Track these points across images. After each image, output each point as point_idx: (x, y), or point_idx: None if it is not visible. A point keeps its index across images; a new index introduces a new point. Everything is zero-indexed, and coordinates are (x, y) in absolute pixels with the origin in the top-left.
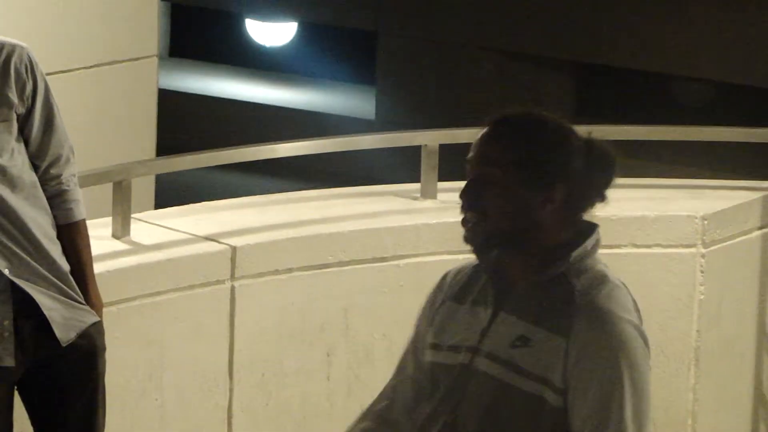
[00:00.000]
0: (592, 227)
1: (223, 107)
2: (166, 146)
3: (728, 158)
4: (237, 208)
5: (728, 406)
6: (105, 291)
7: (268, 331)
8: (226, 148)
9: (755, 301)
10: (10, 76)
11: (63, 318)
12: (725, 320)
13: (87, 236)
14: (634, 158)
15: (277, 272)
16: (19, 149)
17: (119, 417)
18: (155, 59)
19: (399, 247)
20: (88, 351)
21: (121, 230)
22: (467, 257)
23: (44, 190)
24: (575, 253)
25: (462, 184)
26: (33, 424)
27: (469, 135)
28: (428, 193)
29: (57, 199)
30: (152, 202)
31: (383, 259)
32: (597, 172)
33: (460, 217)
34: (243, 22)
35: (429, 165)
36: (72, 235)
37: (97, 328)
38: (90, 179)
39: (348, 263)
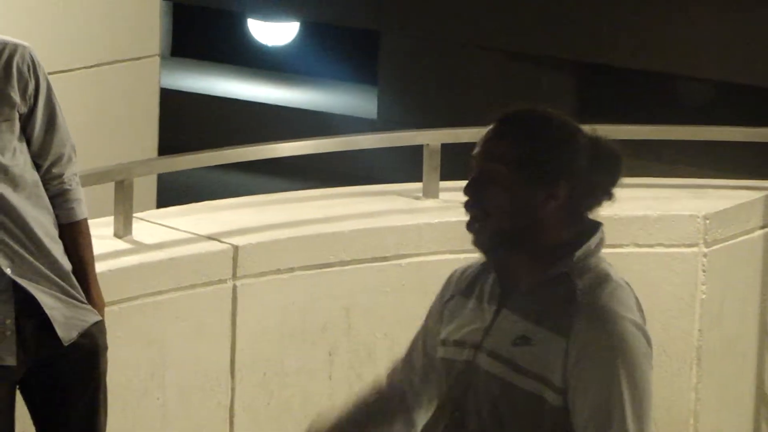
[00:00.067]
0: (596, 226)
1: (224, 107)
2: (167, 146)
3: (730, 158)
4: (239, 208)
5: (730, 405)
6: (107, 290)
7: (270, 331)
8: (228, 148)
9: (757, 300)
10: (12, 76)
11: (65, 317)
12: (727, 320)
13: (89, 235)
14: (636, 158)
15: (278, 272)
16: (21, 148)
17: (121, 416)
18: (157, 59)
19: (401, 247)
20: (90, 350)
21: (123, 229)
22: (469, 257)
23: (46, 190)
24: (579, 252)
25: (464, 182)
26: (35, 423)
27: (471, 134)
28: (430, 193)
29: (59, 198)
30: (154, 202)
31: (385, 259)
32: (602, 171)
33: (462, 217)
34: (245, 21)
35: (431, 164)
36: (74, 235)
37: (99, 327)
38: (92, 178)
39: (350, 263)
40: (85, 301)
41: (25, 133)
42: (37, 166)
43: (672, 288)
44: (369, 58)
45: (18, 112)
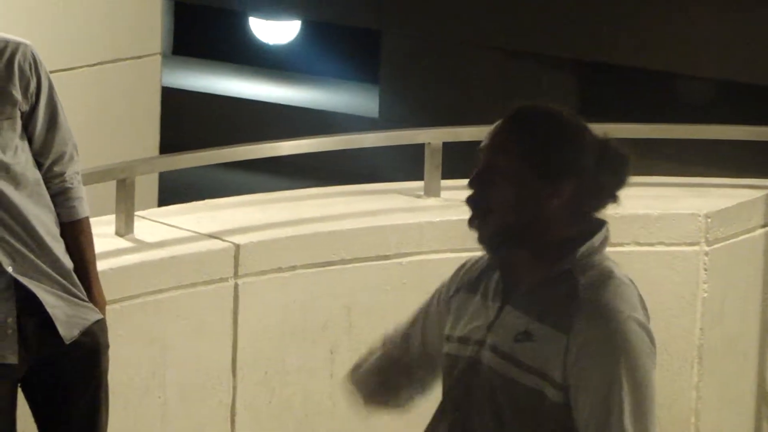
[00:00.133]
0: (600, 224)
1: (226, 105)
2: (169, 144)
3: (731, 157)
4: (240, 206)
5: (731, 404)
6: (108, 288)
7: (271, 329)
8: (229, 146)
9: (758, 299)
10: (14, 74)
11: (66, 315)
12: (728, 318)
13: (90, 234)
14: (637, 157)
15: (280, 270)
16: (23, 147)
17: (122, 415)
18: (158, 57)
19: (402, 245)
20: (92, 348)
21: (125, 228)
22: (470, 255)
23: (48, 188)
24: (582, 249)
25: (466, 182)
26: (36, 421)
27: (472, 133)
28: (431, 191)
29: (60, 196)
30: (155, 200)
31: (386, 257)
32: (609, 172)
33: (464, 216)
34: (246, 20)
35: (432, 163)
36: (75, 233)
37: (101, 325)
38: (93, 177)
39: (351, 261)
40: (87, 300)
41: (27, 132)
42: (39, 165)
43: (673, 287)
44: (370, 57)
45: (20, 110)
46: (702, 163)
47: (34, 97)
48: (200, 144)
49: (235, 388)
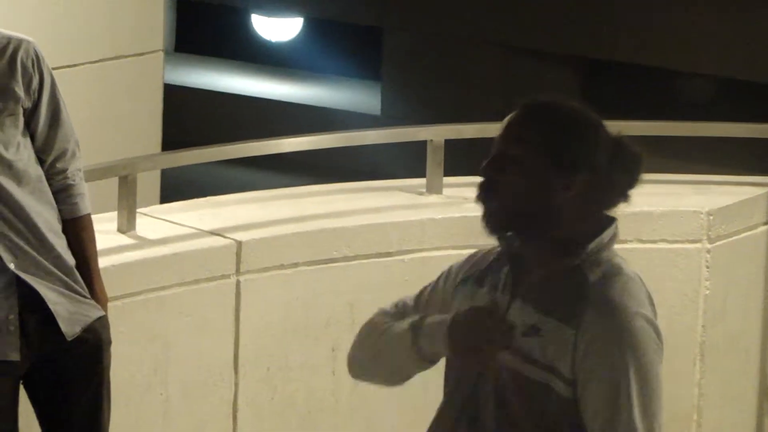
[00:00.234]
0: (610, 220)
1: (228, 102)
2: (171, 141)
3: (733, 154)
4: (242, 203)
5: (733, 401)
6: (110, 285)
7: (274, 326)
8: (232, 143)
9: (761, 296)
10: (16, 71)
11: (68, 312)
12: (730, 315)
13: (92, 231)
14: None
15: (282, 267)
16: (25, 143)
17: (124, 411)
18: (161, 54)
19: (404, 242)
20: (94, 345)
21: (127, 225)
22: (472, 252)
23: (50, 185)
24: (591, 245)
25: (468, 179)
26: (38, 418)
27: (474, 130)
28: (433, 189)
29: (62, 193)
30: (158, 197)
31: (388, 254)
32: (622, 170)
33: (466, 213)
34: (248, 17)
35: (434, 160)
36: (77, 230)
37: (103, 322)
38: (95, 174)
39: (353, 258)
40: (89, 296)
41: (29, 128)
42: (41, 161)
43: (675, 284)
44: (372, 54)
45: (22, 107)
46: (704, 161)
47: (36, 94)
48: (202, 141)
49: (237, 384)
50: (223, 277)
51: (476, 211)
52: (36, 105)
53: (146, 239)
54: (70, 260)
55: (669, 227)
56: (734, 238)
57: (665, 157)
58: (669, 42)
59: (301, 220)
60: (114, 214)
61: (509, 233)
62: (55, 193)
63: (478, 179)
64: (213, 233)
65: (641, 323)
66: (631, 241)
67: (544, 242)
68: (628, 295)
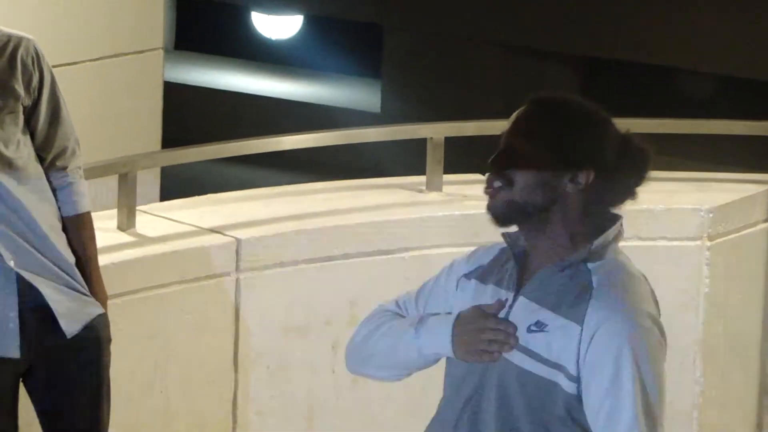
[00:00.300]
0: (615, 218)
1: (228, 100)
2: (171, 139)
3: (733, 151)
4: (242, 201)
5: (733, 398)
6: (110, 283)
7: (274, 324)
8: (232, 141)
9: (760, 293)
10: (16, 68)
11: (68, 310)
12: (730, 313)
13: (92, 228)
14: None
15: (282, 265)
16: (25, 141)
17: (124, 409)
18: (161, 52)
19: (404, 240)
20: (94, 342)
21: (126, 222)
22: (474, 249)
23: (50, 182)
24: (596, 242)
25: (468, 176)
26: (38, 416)
27: (474, 128)
28: (434, 186)
29: (62, 191)
30: (157, 195)
31: (389, 252)
32: (629, 168)
33: (466, 210)
34: (249, 14)
35: (434, 158)
36: (77, 227)
37: (102, 319)
38: (95, 171)
39: (353, 256)
40: (89, 294)
41: (29, 126)
42: (41, 159)
43: (675, 282)
44: (372, 52)
45: (22, 104)
46: (704, 159)
47: (36, 92)
48: (202, 139)
49: (236, 382)
50: (223, 274)
51: (477, 208)
52: (36, 103)
53: (146, 237)
54: (70, 258)
55: (669, 225)
56: (734, 235)
57: (665, 154)
58: (669, 40)
59: (301, 217)
60: (114, 211)
61: (515, 230)
62: (54, 191)
63: (479, 176)
64: (213, 231)
65: (646, 321)
66: (630, 238)
67: (550, 238)
68: (632, 293)
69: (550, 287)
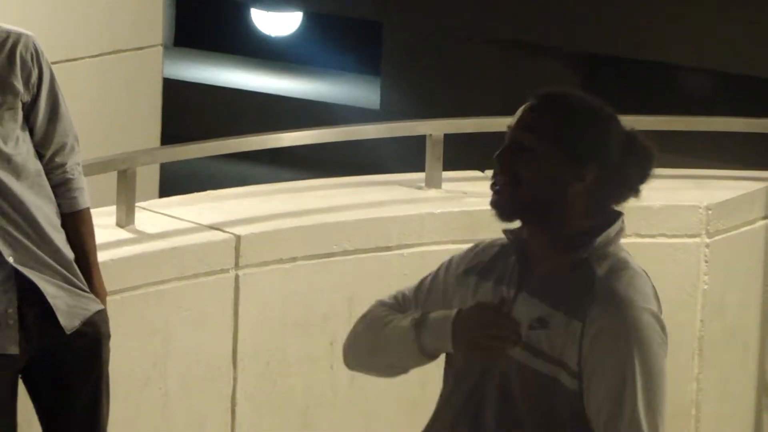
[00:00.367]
0: (616, 215)
1: (227, 97)
2: (170, 135)
3: (733, 148)
4: (241, 197)
5: (732, 395)
6: (109, 279)
7: (272, 320)
8: (231, 137)
9: (759, 291)
10: (15, 65)
11: (67, 306)
12: (729, 310)
13: (91, 225)
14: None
15: (281, 261)
16: (24, 137)
17: (123, 405)
18: (160, 48)
19: (403, 237)
20: (93, 339)
21: (126, 219)
22: (473, 244)
23: (49, 179)
24: (599, 239)
25: (467, 173)
26: (37, 412)
27: (474, 125)
28: (433, 183)
29: (61, 187)
30: (157, 191)
31: (387, 249)
32: (634, 165)
33: (465, 207)
34: (248, 11)
35: (433, 154)
36: (76, 224)
37: (102, 315)
38: (94, 168)
39: (352, 252)
40: (88, 290)
41: (28, 123)
42: (40, 156)
43: (674, 278)
44: (372, 49)
45: (21, 101)
46: (704, 155)
47: (35, 88)
48: (201, 135)
49: (235, 379)
50: (222, 271)
51: (476, 205)
52: (35, 99)
53: (145, 233)
54: (69, 254)
55: (668, 222)
56: (733, 232)
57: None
58: (670, 36)
59: (300, 214)
60: (113, 208)
61: (518, 225)
62: (54, 187)
63: (478, 173)
64: (212, 227)
65: (647, 318)
66: (629, 235)
67: (553, 235)
68: (634, 290)
69: (552, 284)
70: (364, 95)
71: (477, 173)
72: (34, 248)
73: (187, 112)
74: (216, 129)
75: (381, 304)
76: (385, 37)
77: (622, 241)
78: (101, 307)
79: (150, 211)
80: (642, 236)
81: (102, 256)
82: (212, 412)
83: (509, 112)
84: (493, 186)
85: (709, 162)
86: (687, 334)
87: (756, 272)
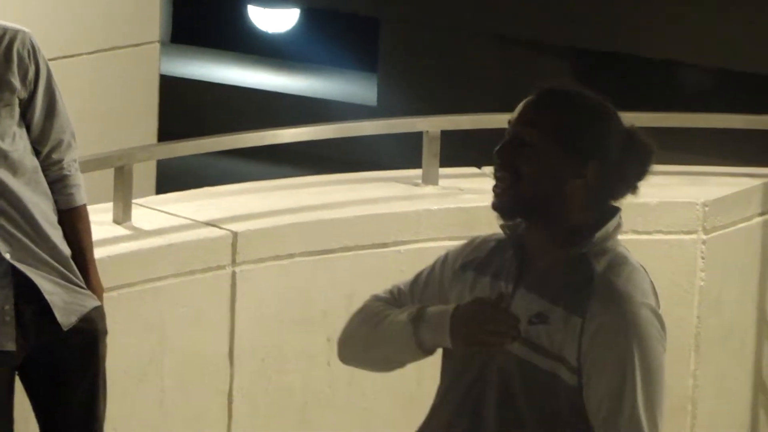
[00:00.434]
0: (614, 210)
1: (224, 94)
2: (167, 132)
3: (729, 145)
4: (238, 194)
5: (728, 392)
6: (106, 276)
7: (269, 317)
8: (228, 134)
9: (755, 287)
10: (12, 61)
11: (64, 302)
12: (725, 307)
13: (88, 221)
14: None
15: (278, 258)
16: (21, 134)
17: (120, 402)
18: (157, 45)
19: (400, 233)
20: (90, 335)
21: (122, 215)
22: (469, 239)
23: (45, 175)
24: (598, 234)
25: (464, 170)
26: (34, 409)
27: (471, 121)
28: (430, 179)
29: (58, 184)
30: (153, 188)
31: (384, 245)
32: (633, 162)
33: (462, 204)
34: (245, 8)
35: (430, 151)
36: (73, 220)
37: (99, 312)
38: (91, 164)
39: (349, 249)
40: (85, 287)
41: (25, 119)
42: (37, 152)
43: (671, 275)
44: (369, 45)
45: (18, 97)
46: (701, 152)
47: (32, 85)
48: (198, 132)
49: (232, 375)
50: (218, 267)
51: (472, 202)
52: (32, 96)
53: (142, 230)
54: (66, 251)
55: (664, 218)
56: (730, 229)
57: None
58: (668, 32)
59: (297, 211)
60: (110, 204)
61: (517, 220)
62: (50, 184)
63: (475, 170)
64: (209, 224)
65: (646, 313)
66: (626, 232)
67: (552, 230)
68: (633, 285)
69: (551, 279)
70: (361, 92)
71: (474, 170)
72: (31, 245)
73: (184, 109)
74: (213, 126)
75: (376, 298)
76: (382, 34)
77: (619, 237)
78: (98, 303)
79: (147, 207)
80: (639, 233)
81: (99, 253)
82: (209, 409)
83: (507, 109)
84: (494, 188)
85: (708, 159)
86: (683, 331)
87: (752, 269)
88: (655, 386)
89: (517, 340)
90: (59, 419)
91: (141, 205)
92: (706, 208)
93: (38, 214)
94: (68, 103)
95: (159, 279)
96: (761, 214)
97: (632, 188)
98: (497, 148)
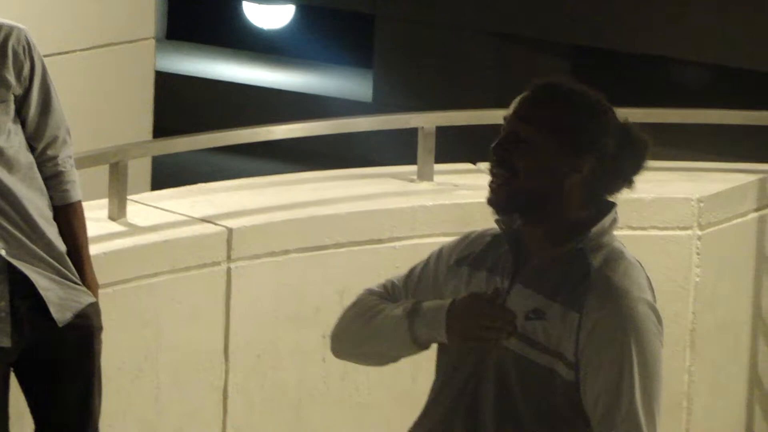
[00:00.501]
0: (610, 205)
1: (220, 90)
2: (162, 128)
3: (725, 141)
4: (233, 190)
5: (723, 387)
6: (101, 272)
7: (264, 313)
8: (223, 130)
9: (750, 283)
10: (7, 58)
11: (59, 298)
12: (721, 302)
13: (83, 217)
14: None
15: (273, 254)
16: (16, 130)
17: (115, 398)
18: (152, 41)
19: (395, 229)
20: (85, 331)
21: (117, 212)
22: (464, 234)
23: (41, 172)
24: (594, 230)
25: (459, 166)
26: (29, 405)
27: (466, 117)
28: (425, 176)
29: (53, 180)
30: (148, 184)
31: (379, 241)
32: (629, 157)
33: (457, 200)
34: (240, 4)
35: (425, 147)
36: (68, 217)
37: (94, 308)
38: (86, 161)
39: (344, 245)
40: (80, 283)
41: (20, 115)
42: (32, 149)
43: (666, 271)
44: (364, 42)
45: (13, 94)
46: (696, 148)
47: (27, 81)
48: (193, 128)
49: (227, 371)
50: (213, 264)
51: (468, 198)
52: (27, 92)
53: (137, 226)
54: (61, 247)
55: (659, 214)
56: (725, 225)
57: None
58: (665, 29)
59: (292, 207)
60: (105, 201)
61: (513, 215)
62: (45, 180)
63: (470, 166)
64: (204, 220)
65: (644, 308)
66: (621, 227)
67: (547, 226)
68: (629, 280)
69: (548, 275)
70: (357, 88)
71: (469, 166)
72: (27, 241)
73: (179, 105)
74: (208, 122)
75: (370, 292)
76: (377, 30)
77: (615, 232)
78: (93, 299)
79: (142, 204)
80: (634, 228)
81: (94, 249)
82: (204, 405)
83: (502, 105)
84: (490, 184)
85: (705, 155)
86: (679, 327)
87: (748, 264)
88: (652, 381)
89: (514, 335)
90: (54, 416)
91: (136, 202)
92: (702, 204)
93: (33, 210)
94: (63, 99)
95: (154, 275)
96: (756, 210)
97: (628, 182)
98: (493, 144)
